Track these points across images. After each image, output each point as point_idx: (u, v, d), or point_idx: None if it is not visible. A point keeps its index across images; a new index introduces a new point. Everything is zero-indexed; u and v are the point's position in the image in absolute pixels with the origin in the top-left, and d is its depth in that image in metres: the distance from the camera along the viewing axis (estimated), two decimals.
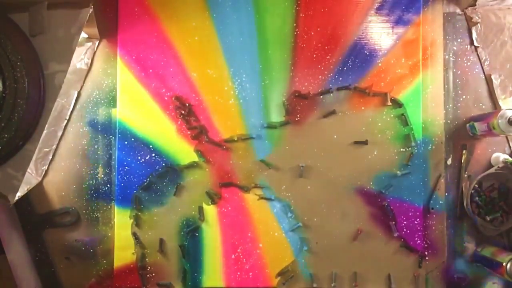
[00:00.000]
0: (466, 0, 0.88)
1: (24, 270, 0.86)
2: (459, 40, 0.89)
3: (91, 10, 0.79)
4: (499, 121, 0.78)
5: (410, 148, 0.87)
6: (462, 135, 0.88)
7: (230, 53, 0.88)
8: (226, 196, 0.89)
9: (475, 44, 0.88)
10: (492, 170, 0.85)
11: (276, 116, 0.89)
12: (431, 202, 0.88)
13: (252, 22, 0.88)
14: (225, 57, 0.89)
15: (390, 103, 0.87)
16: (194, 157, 0.89)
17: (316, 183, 0.88)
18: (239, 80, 0.89)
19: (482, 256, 0.85)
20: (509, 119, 0.78)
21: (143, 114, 0.89)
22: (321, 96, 0.88)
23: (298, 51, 0.88)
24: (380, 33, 0.88)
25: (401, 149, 0.88)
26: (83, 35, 0.86)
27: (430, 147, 0.88)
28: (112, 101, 0.90)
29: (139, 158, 0.89)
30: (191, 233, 0.89)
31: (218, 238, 0.89)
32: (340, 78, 0.88)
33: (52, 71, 0.80)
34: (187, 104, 0.88)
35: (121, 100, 0.89)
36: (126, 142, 0.89)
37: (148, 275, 0.89)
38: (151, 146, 0.89)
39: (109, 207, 0.90)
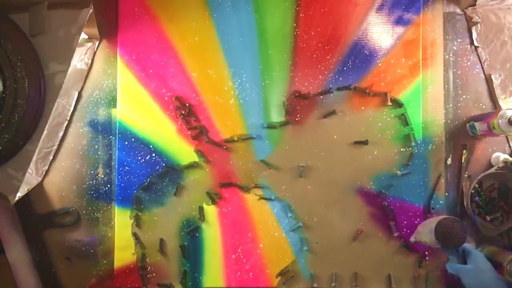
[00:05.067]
0: (466, 0, 0.88)
1: (24, 270, 0.86)
2: (459, 40, 0.89)
3: (91, 10, 0.79)
4: (499, 121, 0.78)
5: (410, 148, 0.87)
6: (462, 135, 0.88)
7: (230, 53, 0.88)
8: (226, 196, 0.89)
9: (475, 44, 0.88)
10: (492, 170, 0.85)
11: (276, 116, 0.89)
12: (431, 202, 0.88)
13: (252, 22, 0.88)
14: (225, 57, 0.89)
15: (390, 103, 0.87)
16: (194, 157, 0.89)
17: (316, 183, 0.88)
18: (239, 80, 0.89)
19: None
20: (509, 119, 0.78)
21: (143, 114, 0.89)
22: (321, 96, 0.88)
23: (298, 51, 0.88)
24: (380, 33, 0.88)
25: (401, 149, 0.88)
26: (83, 35, 0.86)
27: (430, 147, 0.88)
28: (112, 101, 0.90)
29: (139, 158, 0.89)
30: (191, 233, 0.89)
31: (218, 238, 0.89)
32: (340, 78, 0.88)
33: (52, 71, 0.80)
34: (187, 104, 0.88)
35: (121, 100, 0.89)
36: (126, 142, 0.89)
37: (148, 275, 0.89)
38: (151, 146, 0.89)
39: (109, 207, 0.90)
